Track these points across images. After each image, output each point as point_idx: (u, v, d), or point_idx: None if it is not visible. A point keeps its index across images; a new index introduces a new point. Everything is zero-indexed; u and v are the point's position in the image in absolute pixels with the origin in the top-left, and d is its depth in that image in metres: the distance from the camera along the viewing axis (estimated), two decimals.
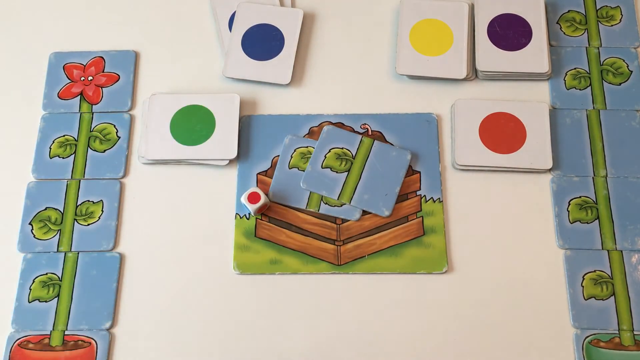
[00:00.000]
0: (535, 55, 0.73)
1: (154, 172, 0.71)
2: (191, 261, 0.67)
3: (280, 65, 0.74)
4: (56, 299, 0.66)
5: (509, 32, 0.74)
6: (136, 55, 0.76)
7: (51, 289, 0.66)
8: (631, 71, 0.73)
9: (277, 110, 0.73)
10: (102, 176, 0.70)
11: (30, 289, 0.66)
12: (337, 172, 0.69)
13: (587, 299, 0.64)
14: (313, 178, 0.69)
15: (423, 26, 0.75)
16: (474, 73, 0.74)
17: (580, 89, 0.73)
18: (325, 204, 0.68)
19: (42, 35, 0.78)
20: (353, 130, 0.71)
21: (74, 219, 0.68)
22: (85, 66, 0.76)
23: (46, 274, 0.67)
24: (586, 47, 0.75)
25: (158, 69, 0.76)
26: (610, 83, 0.73)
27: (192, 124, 0.71)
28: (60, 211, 0.69)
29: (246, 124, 0.72)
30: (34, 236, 0.68)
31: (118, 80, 0.75)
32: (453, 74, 0.73)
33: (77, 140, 0.72)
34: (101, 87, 0.75)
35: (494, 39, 0.74)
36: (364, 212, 0.68)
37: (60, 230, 0.68)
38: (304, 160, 0.70)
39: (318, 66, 0.75)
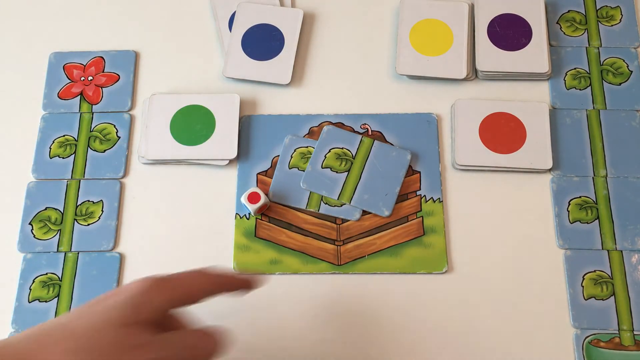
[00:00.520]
0: (535, 55, 0.73)
1: (154, 172, 0.71)
2: (191, 261, 0.67)
3: (280, 65, 0.74)
4: (56, 299, 0.66)
5: (509, 32, 0.74)
6: (136, 55, 0.76)
7: (51, 289, 0.66)
8: (631, 71, 0.73)
9: (277, 110, 0.73)
10: (102, 176, 0.70)
11: (30, 289, 0.66)
12: (337, 172, 0.69)
13: (587, 299, 0.64)
14: (313, 178, 0.69)
15: (423, 26, 0.75)
16: (474, 73, 0.74)
17: (580, 89, 0.73)
18: (325, 204, 0.68)
19: (42, 35, 0.78)
20: (353, 130, 0.71)
21: (74, 219, 0.68)
22: (85, 66, 0.76)
23: (46, 274, 0.67)
24: (586, 47, 0.75)
25: (158, 69, 0.76)
26: (610, 83, 0.73)
27: (192, 124, 0.71)
28: (60, 211, 0.69)
29: (246, 124, 0.72)
30: (34, 236, 0.68)
31: (118, 80, 0.75)
32: (453, 74, 0.73)
33: (77, 140, 0.72)
34: (101, 87, 0.75)
35: (494, 39, 0.74)
36: (364, 212, 0.68)
37: (60, 230, 0.68)
38: (304, 160, 0.70)
39: (318, 66, 0.75)
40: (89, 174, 0.71)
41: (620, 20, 0.76)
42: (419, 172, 0.69)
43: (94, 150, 0.71)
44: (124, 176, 0.71)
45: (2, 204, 0.70)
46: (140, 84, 0.75)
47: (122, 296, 0.47)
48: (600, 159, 0.69)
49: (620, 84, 0.73)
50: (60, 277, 0.66)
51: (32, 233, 0.68)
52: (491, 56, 0.73)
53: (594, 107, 0.72)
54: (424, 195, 0.69)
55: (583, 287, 0.64)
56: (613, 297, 0.64)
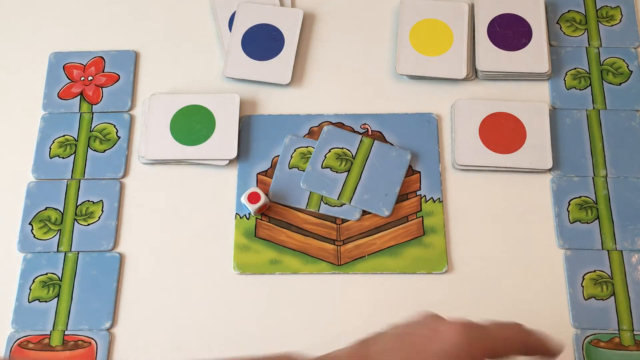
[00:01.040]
0: (535, 55, 0.73)
1: (154, 172, 0.71)
2: (191, 261, 0.67)
3: (280, 65, 0.74)
4: (56, 299, 0.66)
5: (509, 32, 0.74)
6: (136, 55, 0.76)
7: (51, 289, 0.66)
8: (631, 71, 0.73)
9: (277, 110, 0.73)
10: (102, 176, 0.70)
11: (30, 289, 0.66)
12: (337, 172, 0.69)
13: (587, 299, 0.64)
14: (313, 178, 0.69)
15: (423, 26, 0.75)
16: (474, 73, 0.74)
17: (580, 89, 0.73)
18: (325, 204, 0.68)
19: (42, 35, 0.78)
20: (353, 130, 0.71)
21: (74, 219, 0.68)
22: (85, 66, 0.76)
23: (46, 274, 0.67)
24: (586, 47, 0.75)
25: (158, 69, 0.76)
26: (610, 83, 0.73)
27: (192, 124, 0.71)
28: (60, 211, 0.69)
29: (246, 124, 0.72)
30: (34, 236, 0.68)
31: (118, 80, 0.75)
32: (453, 74, 0.73)
33: (77, 140, 0.72)
34: (101, 87, 0.75)
35: (494, 39, 0.74)
36: (364, 212, 0.68)
37: (60, 230, 0.68)
38: (304, 160, 0.70)
39: (318, 66, 0.75)
40: (89, 174, 0.70)
41: (620, 20, 0.76)
42: (419, 172, 0.69)
43: (94, 150, 0.71)
44: (124, 176, 0.71)
45: (2, 204, 0.70)
46: (140, 84, 0.75)
47: (440, 345, 0.46)
48: (600, 159, 0.69)
49: (620, 84, 0.73)
50: (60, 277, 0.66)
51: (32, 233, 0.68)
52: (491, 56, 0.73)
53: (594, 107, 0.72)
54: (424, 195, 0.69)
55: (583, 287, 0.64)
56: (613, 297, 0.64)
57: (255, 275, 0.66)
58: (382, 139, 0.71)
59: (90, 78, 0.75)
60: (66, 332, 0.64)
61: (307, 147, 0.70)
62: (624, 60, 0.74)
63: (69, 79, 0.75)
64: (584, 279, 0.65)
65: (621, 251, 0.66)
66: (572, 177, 0.69)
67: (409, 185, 0.69)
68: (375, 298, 0.65)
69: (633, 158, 0.69)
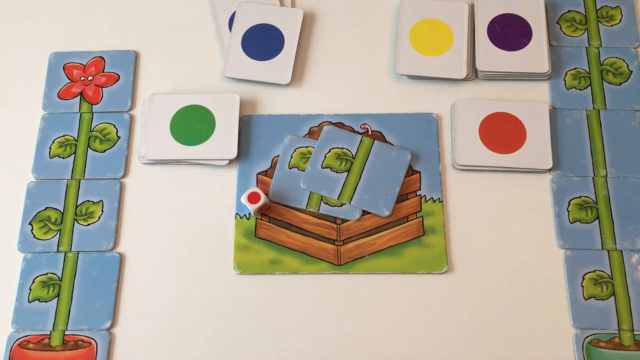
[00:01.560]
0: (535, 55, 0.73)
1: (154, 172, 0.71)
2: (191, 261, 0.67)
3: (280, 65, 0.74)
4: (56, 299, 0.66)
5: (509, 32, 0.74)
6: (136, 55, 0.76)
7: (51, 289, 0.66)
8: (631, 71, 0.73)
9: (277, 110, 0.73)
10: (102, 176, 0.70)
11: (30, 289, 0.66)
12: (337, 172, 0.69)
13: (587, 299, 0.64)
14: (313, 178, 0.69)
15: (423, 26, 0.75)
16: (474, 73, 0.74)
17: (580, 89, 0.73)
18: (325, 204, 0.68)
19: (42, 35, 0.78)
20: (353, 130, 0.71)
21: (74, 219, 0.68)
22: (85, 66, 0.76)
23: (46, 274, 0.67)
24: (586, 47, 0.75)
25: (158, 69, 0.76)
26: (610, 83, 0.73)
27: (192, 124, 0.71)
28: (60, 211, 0.69)
29: (246, 124, 0.72)
30: (34, 236, 0.68)
31: (118, 80, 0.75)
32: (453, 74, 0.73)
33: (77, 140, 0.72)
34: (101, 87, 0.75)
35: (494, 39, 0.74)
36: (364, 212, 0.68)
37: (60, 230, 0.68)
38: (304, 160, 0.70)
39: (318, 66, 0.75)
40: (89, 174, 0.71)
41: (620, 20, 0.76)
42: (419, 172, 0.69)
43: (94, 150, 0.71)
44: (124, 176, 0.71)
45: (2, 204, 0.70)
46: (140, 84, 0.75)
47: None
48: (600, 159, 0.69)
49: (620, 84, 0.73)
50: (60, 277, 0.66)
51: (32, 233, 0.68)
52: (491, 56, 0.73)
53: (594, 107, 0.72)
54: (424, 195, 0.69)
55: (583, 287, 0.64)
56: (613, 297, 0.64)
57: (255, 275, 0.66)
58: (382, 139, 0.71)
59: (90, 78, 0.75)
60: (66, 332, 0.64)
61: (307, 147, 0.70)
62: (624, 60, 0.74)
63: (69, 79, 0.75)
64: (584, 279, 0.65)
65: (621, 251, 0.66)
66: (572, 177, 0.69)
67: (409, 185, 0.69)
68: (375, 298, 0.65)
69: (633, 158, 0.69)
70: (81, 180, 0.70)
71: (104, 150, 0.71)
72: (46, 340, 0.64)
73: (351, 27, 0.77)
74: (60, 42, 0.77)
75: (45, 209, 0.69)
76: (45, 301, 0.66)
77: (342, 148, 0.70)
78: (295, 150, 0.70)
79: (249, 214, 0.68)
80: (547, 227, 0.67)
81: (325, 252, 0.67)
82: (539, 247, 0.66)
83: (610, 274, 0.65)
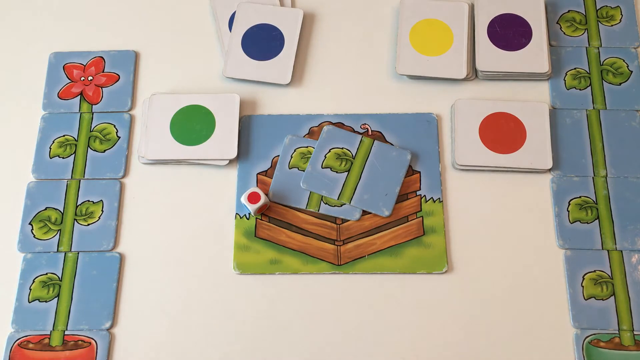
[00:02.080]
0: (535, 55, 0.73)
1: (154, 172, 0.71)
2: (191, 261, 0.67)
3: (280, 65, 0.74)
4: (56, 299, 0.66)
5: (509, 32, 0.74)
6: (136, 55, 0.76)
7: (51, 289, 0.66)
8: (631, 71, 0.73)
9: (277, 110, 0.73)
10: (102, 176, 0.70)
11: (30, 289, 0.66)
12: (337, 172, 0.69)
13: (587, 299, 0.64)
14: (313, 178, 0.69)
15: (423, 26, 0.75)
16: (474, 73, 0.74)
17: (580, 89, 0.73)
18: (325, 204, 0.68)
19: (42, 35, 0.78)
20: (353, 130, 0.71)
21: (74, 219, 0.68)
22: (85, 66, 0.76)
23: (46, 274, 0.67)
24: (586, 47, 0.75)
25: (158, 69, 0.76)
26: (610, 83, 0.73)
27: (192, 124, 0.71)
28: (60, 211, 0.69)
29: (246, 124, 0.72)
30: (34, 236, 0.68)
31: (118, 80, 0.75)
32: (453, 74, 0.73)
33: (77, 140, 0.72)
34: (101, 87, 0.75)
35: (494, 39, 0.74)
36: (364, 212, 0.68)
37: (60, 230, 0.68)
38: (304, 160, 0.70)
39: (318, 66, 0.75)
40: (89, 174, 0.71)
41: (620, 20, 0.76)
42: (419, 172, 0.69)
43: (94, 150, 0.71)
44: (124, 176, 0.71)
45: (2, 204, 0.70)
46: (140, 84, 0.75)
47: None
48: (600, 159, 0.69)
49: (620, 84, 0.73)
50: (60, 277, 0.66)
51: (32, 233, 0.68)
52: (491, 56, 0.73)
53: (594, 107, 0.72)
54: (424, 195, 0.69)
55: (583, 287, 0.64)
56: (613, 297, 0.64)
57: (255, 275, 0.66)
58: (382, 139, 0.71)
59: (90, 78, 0.75)
60: (66, 332, 0.64)
61: (307, 147, 0.70)
62: (624, 60, 0.74)
63: (69, 79, 0.75)
64: (584, 279, 0.65)
65: (621, 251, 0.66)
66: (572, 177, 0.69)
67: (409, 185, 0.69)
68: (375, 298, 0.65)
69: (633, 158, 0.69)
70: (81, 180, 0.70)
71: (104, 150, 0.71)
72: (46, 340, 0.64)
73: (351, 27, 0.77)
74: (60, 42, 0.77)
75: (45, 209, 0.69)
76: (45, 301, 0.66)
77: (342, 148, 0.70)
78: (295, 150, 0.70)
79: (249, 214, 0.68)
80: (547, 227, 0.67)
81: (325, 252, 0.67)
82: (539, 247, 0.66)
83: (610, 274, 0.65)
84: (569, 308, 0.64)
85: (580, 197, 0.68)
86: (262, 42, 0.75)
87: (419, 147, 0.70)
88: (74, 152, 0.71)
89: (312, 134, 0.71)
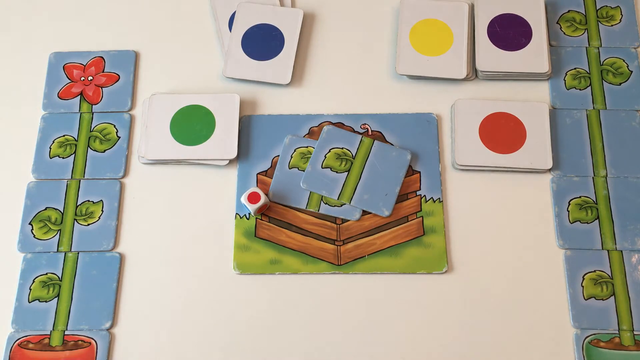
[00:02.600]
0: (535, 55, 0.73)
1: (154, 172, 0.71)
2: (191, 261, 0.67)
3: (280, 65, 0.74)
4: (56, 299, 0.66)
5: (509, 32, 0.74)
6: (136, 55, 0.76)
7: (51, 289, 0.66)
8: (631, 71, 0.73)
9: (277, 110, 0.73)
10: (102, 176, 0.70)
11: (30, 289, 0.66)
12: (337, 172, 0.69)
13: (587, 299, 0.64)
14: (313, 178, 0.69)
15: (423, 26, 0.75)
16: (474, 73, 0.74)
17: (580, 89, 0.73)
18: (325, 204, 0.68)
19: (42, 35, 0.78)
20: (353, 130, 0.71)
21: (74, 219, 0.68)
22: (85, 66, 0.76)
23: (46, 274, 0.67)
24: (586, 47, 0.75)
25: (158, 69, 0.76)
26: (610, 83, 0.73)
27: (192, 124, 0.71)
28: (60, 211, 0.69)
29: (246, 124, 0.72)
30: (34, 236, 0.68)
31: (118, 80, 0.75)
32: (453, 74, 0.73)
33: (77, 140, 0.72)
34: (101, 87, 0.75)
35: (494, 39, 0.74)
36: (364, 212, 0.68)
37: (60, 230, 0.68)
38: (304, 160, 0.70)
39: (318, 66, 0.75)
40: (89, 174, 0.70)
41: (620, 20, 0.76)
42: (419, 172, 0.69)
43: (94, 150, 0.71)
44: (124, 176, 0.71)
45: (2, 204, 0.70)
46: (140, 84, 0.75)
47: None
48: (600, 159, 0.69)
49: (620, 84, 0.73)
50: (60, 277, 0.66)
51: (32, 233, 0.68)
52: (491, 56, 0.73)
53: (594, 107, 0.72)
54: (424, 195, 0.69)
55: (583, 287, 0.64)
56: (613, 297, 0.64)
57: (255, 275, 0.66)
58: (382, 139, 0.71)
59: (90, 78, 0.75)
60: (66, 332, 0.64)
61: (307, 147, 0.70)
62: (624, 60, 0.74)
63: (69, 79, 0.75)
64: (584, 279, 0.65)
65: (621, 251, 0.66)
66: (572, 177, 0.69)
67: (409, 185, 0.69)
68: (375, 298, 0.65)
69: (633, 158, 0.69)
70: (81, 180, 0.70)
71: (104, 150, 0.71)
72: (46, 340, 0.64)
73: (351, 27, 0.77)
74: (60, 42, 0.77)
75: (45, 209, 0.69)
76: (45, 301, 0.66)
77: (342, 148, 0.70)
78: (295, 150, 0.70)
79: (249, 214, 0.68)
80: (547, 227, 0.67)
81: (325, 252, 0.67)
82: (539, 247, 0.66)
83: (610, 274, 0.65)
84: (569, 308, 0.64)
85: (580, 197, 0.68)
86: (262, 42, 0.75)
87: (419, 147, 0.70)
88: (74, 152, 0.71)
89: (312, 134, 0.71)
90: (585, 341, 0.63)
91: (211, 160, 0.70)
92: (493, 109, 0.71)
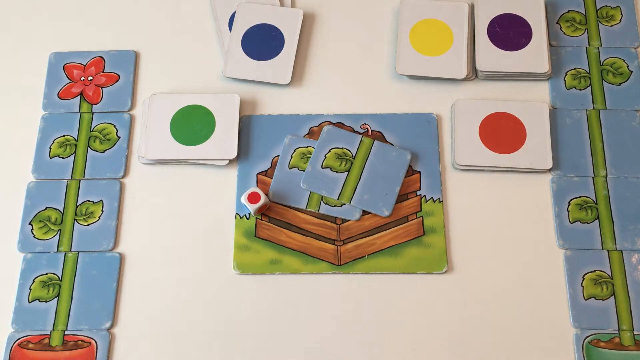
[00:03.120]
0: (535, 55, 0.73)
1: (154, 172, 0.71)
2: (191, 261, 0.67)
3: (280, 65, 0.74)
4: (56, 299, 0.66)
5: (509, 32, 0.74)
6: (136, 55, 0.76)
7: (51, 289, 0.66)
8: (631, 71, 0.73)
9: (277, 110, 0.73)
10: (102, 176, 0.70)
11: (30, 289, 0.66)
12: (337, 172, 0.69)
13: (587, 299, 0.64)
14: (313, 178, 0.69)
15: (423, 26, 0.75)
16: (474, 73, 0.74)
17: (580, 89, 0.73)
18: (325, 204, 0.68)
19: (42, 35, 0.78)
20: (353, 130, 0.71)
21: (74, 219, 0.68)
22: (85, 66, 0.76)
23: (46, 274, 0.67)
24: (586, 47, 0.75)
25: (158, 69, 0.76)
26: (610, 83, 0.73)
27: (192, 124, 0.71)
28: (60, 211, 0.69)
29: (246, 124, 0.72)
30: (34, 236, 0.68)
31: (118, 80, 0.75)
32: (453, 74, 0.73)
33: (77, 140, 0.72)
34: (101, 87, 0.75)
35: (494, 39, 0.74)
36: (364, 212, 0.68)
37: (60, 230, 0.68)
38: (304, 160, 0.70)
39: (318, 66, 0.75)
40: (89, 174, 0.71)
41: (620, 20, 0.76)
42: (419, 172, 0.69)
43: (94, 150, 0.71)
44: (124, 176, 0.71)
45: (2, 204, 0.70)
46: (140, 84, 0.75)
47: None
48: (600, 159, 0.69)
49: (620, 84, 0.73)
50: (60, 277, 0.66)
51: (32, 233, 0.68)
52: (491, 56, 0.73)
53: (594, 107, 0.72)
54: (424, 195, 0.69)
55: (583, 287, 0.64)
56: (613, 297, 0.64)
57: (255, 275, 0.66)
58: (382, 139, 0.71)
59: (90, 78, 0.75)
60: (66, 332, 0.64)
61: (307, 147, 0.70)
62: (624, 60, 0.74)
63: (69, 79, 0.75)
64: (584, 279, 0.65)
65: (621, 251, 0.66)
66: (572, 177, 0.69)
67: (409, 185, 0.69)
68: (376, 298, 0.65)
69: (633, 158, 0.69)
70: (81, 180, 0.70)
71: (104, 150, 0.71)
72: (46, 340, 0.64)
73: (351, 27, 0.77)
74: (60, 42, 0.77)
75: (45, 209, 0.69)
76: (45, 301, 0.66)
77: (342, 148, 0.70)
78: (295, 150, 0.70)
79: (249, 214, 0.68)
80: (547, 227, 0.67)
81: (325, 252, 0.67)
82: (539, 247, 0.66)
83: (610, 274, 0.65)
84: (569, 308, 0.64)
85: (580, 197, 0.68)
86: (262, 42, 0.75)
87: (419, 147, 0.70)
88: (74, 152, 0.71)
89: (312, 134, 0.71)
90: (585, 341, 0.63)
91: (211, 160, 0.70)
92: (493, 109, 0.71)
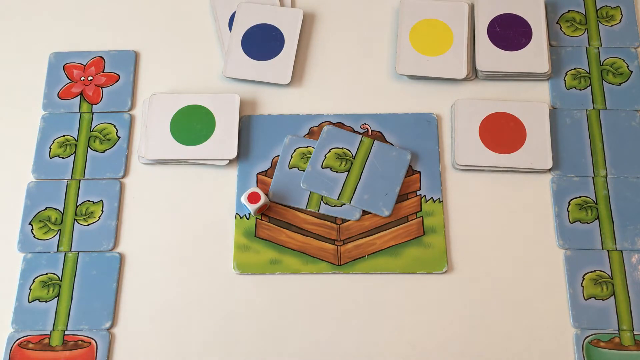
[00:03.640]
0: (535, 55, 0.73)
1: (154, 172, 0.71)
2: (191, 261, 0.67)
3: (280, 65, 0.74)
4: (56, 299, 0.66)
5: (509, 32, 0.74)
6: (136, 55, 0.76)
7: (51, 289, 0.66)
8: (631, 71, 0.73)
9: (277, 110, 0.73)
10: (102, 176, 0.70)
11: (30, 289, 0.66)
12: (337, 172, 0.69)
13: (587, 299, 0.64)
14: (313, 178, 0.69)
15: (423, 26, 0.75)
16: (474, 73, 0.74)
17: (580, 89, 0.73)
18: (325, 204, 0.68)
19: (42, 35, 0.78)
20: (353, 130, 0.71)
21: (74, 219, 0.68)
22: (85, 66, 0.76)
23: (46, 274, 0.67)
24: (586, 47, 0.75)
25: (158, 69, 0.76)
26: (610, 83, 0.73)
27: (192, 124, 0.71)
28: (60, 211, 0.69)
29: (246, 124, 0.72)
30: (34, 236, 0.68)
31: (118, 80, 0.75)
32: (453, 74, 0.73)
33: (77, 140, 0.72)
34: (101, 87, 0.75)
35: (494, 39, 0.74)
36: (364, 212, 0.68)
37: (60, 230, 0.68)
38: (304, 160, 0.70)
39: (318, 66, 0.75)
40: (89, 174, 0.71)
41: (620, 20, 0.76)
42: (419, 172, 0.69)
43: (94, 150, 0.71)
44: (124, 176, 0.71)
45: (2, 204, 0.70)
46: (140, 84, 0.75)
47: None
48: (600, 159, 0.69)
49: (620, 84, 0.73)
50: (60, 277, 0.66)
51: (32, 233, 0.68)
52: (491, 56, 0.73)
53: (594, 107, 0.72)
54: (424, 195, 0.69)
55: (583, 287, 0.64)
56: (613, 297, 0.64)
57: (255, 275, 0.66)
58: (382, 139, 0.71)
59: (90, 78, 0.75)
60: (66, 332, 0.64)
61: (307, 147, 0.70)
62: (624, 60, 0.74)
63: (69, 79, 0.75)
64: (584, 279, 0.65)
65: (621, 251, 0.66)
66: (572, 177, 0.69)
67: (409, 185, 0.69)
68: (375, 298, 0.65)
69: (633, 158, 0.69)
70: (81, 180, 0.70)
71: (104, 150, 0.71)
72: (46, 340, 0.64)
73: (351, 27, 0.77)
74: (60, 42, 0.77)
75: (45, 209, 0.69)
76: (45, 301, 0.66)
77: (342, 148, 0.70)
78: (295, 150, 0.70)
79: (249, 214, 0.68)
80: (547, 227, 0.67)
81: (325, 252, 0.67)
82: (539, 247, 0.66)
83: (610, 274, 0.65)
84: (569, 308, 0.64)
85: (580, 197, 0.68)
86: (262, 42, 0.75)
87: (419, 147, 0.70)
88: (74, 152, 0.71)
89: (312, 134, 0.71)
90: (585, 341, 0.63)
91: (211, 160, 0.70)
92: (493, 109, 0.71)
